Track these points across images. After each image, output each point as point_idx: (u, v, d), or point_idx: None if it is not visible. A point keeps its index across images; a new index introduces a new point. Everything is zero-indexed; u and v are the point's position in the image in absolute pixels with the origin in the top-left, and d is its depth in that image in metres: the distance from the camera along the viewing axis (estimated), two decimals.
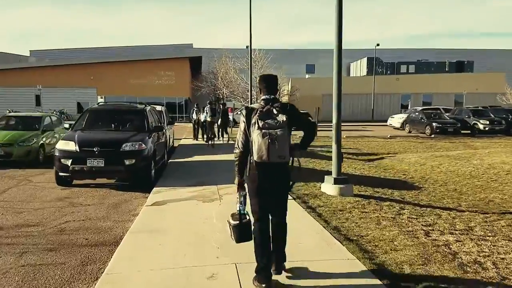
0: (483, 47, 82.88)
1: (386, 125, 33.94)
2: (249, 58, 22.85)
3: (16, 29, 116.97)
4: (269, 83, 3.89)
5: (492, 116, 26.85)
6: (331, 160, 15.43)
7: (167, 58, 46.42)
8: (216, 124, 18.54)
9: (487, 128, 25.84)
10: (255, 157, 3.57)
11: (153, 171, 9.24)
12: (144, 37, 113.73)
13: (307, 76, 53.39)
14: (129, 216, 6.66)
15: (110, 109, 10.51)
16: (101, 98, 41.31)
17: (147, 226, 5.71)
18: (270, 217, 3.87)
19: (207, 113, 18.51)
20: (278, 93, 34.13)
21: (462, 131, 25.95)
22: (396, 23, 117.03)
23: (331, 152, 17.70)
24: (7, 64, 44.25)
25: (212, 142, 17.82)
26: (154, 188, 8.36)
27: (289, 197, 7.30)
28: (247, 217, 3.82)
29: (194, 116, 20.90)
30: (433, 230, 5.79)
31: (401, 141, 22.16)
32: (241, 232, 3.78)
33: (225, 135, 19.94)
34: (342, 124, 8.29)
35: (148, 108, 10.60)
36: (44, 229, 5.96)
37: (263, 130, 3.52)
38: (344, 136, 25.29)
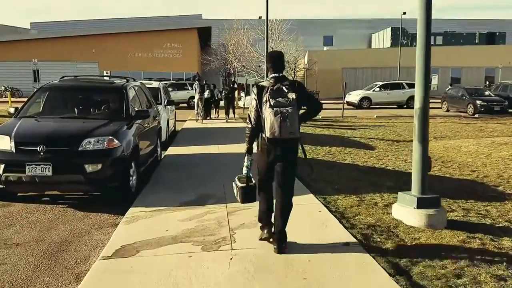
0: None
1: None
2: (265, 27, 19.51)
3: (20, 4, 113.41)
4: (276, 61, 4.00)
5: None
6: (372, 149, 12.43)
7: (174, 29, 42.81)
8: (201, 100, 18.29)
9: None
10: (267, 133, 3.72)
11: (133, 177, 6.25)
12: (150, 9, 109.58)
13: (325, 48, 49.54)
14: (68, 279, 3.71)
15: (75, 86, 7.27)
16: (107, 73, 38.26)
17: None
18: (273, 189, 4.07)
19: (195, 90, 18.41)
20: (294, 67, 30.96)
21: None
22: None
23: (365, 137, 14.69)
24: (2, 36, 41.23)
25: (201, 119, 17.83)
26: (130, 210, 5.38)
27: (353, 239, 4.33)
28: (253, 181, 4.05)
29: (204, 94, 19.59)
30: None
31: (443, 122, 18.87)
32: (247, 194, 4.05)
33: (230, 114, 19.20)
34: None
35: (130, 84, 7.52)
36: None
37: (275, 108, 3.66)
38: (374, 116, 22.04)
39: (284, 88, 3.74)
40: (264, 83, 3.89)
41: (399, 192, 5.18)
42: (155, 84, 12.76)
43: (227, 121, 18.39)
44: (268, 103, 3.67)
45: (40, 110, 6.96)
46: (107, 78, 7.84)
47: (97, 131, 5.81)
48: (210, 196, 5.95)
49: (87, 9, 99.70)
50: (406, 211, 4.89)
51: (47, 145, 5.40)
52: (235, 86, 21.95)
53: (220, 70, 44.75)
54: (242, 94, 26.83)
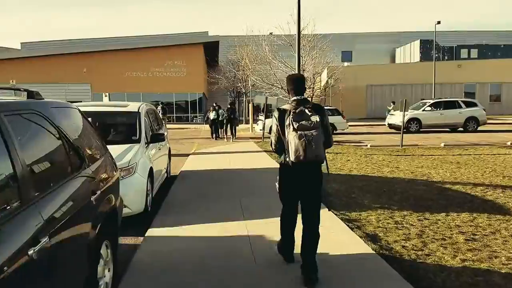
0: None
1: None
2: (297, 28, 14.45)
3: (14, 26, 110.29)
4: (298, 84, 3.95)
5: None
6: (510, 214, 6.40)
7: (176, 45, 37.91)
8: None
9: None
10: (292, 157, 3.63)
11: None
12: (151, 29, 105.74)
13: (345, 64, 44.58)
14: None
15: None
16: (106, 95, 33.37)
17: None
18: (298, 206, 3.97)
19: (159, 112, 19.01)
20: (313, 86, 25.76)
21: None
22: (448, 7, 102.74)
23: (463, 183, 8.51)
24: None
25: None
26: None
27: None
28: None
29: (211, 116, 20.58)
30: None
31: None
32: None
33: (228, 133, 20.03)
34: None
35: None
36: None
37: (299, 132, 3.60)
38: (442, 144, 16.56)
39: (306, 110, 3.68)
40: (286, 107, 3.85)
41: None
42: (131, 107, 7.49)
43: (232, 141, 18.92)
44: (291, 126, 3.63)
45: None
46: None
47: None
48: None
49: (82, 31, 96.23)
50: None
51: None
52: (234, 107, 20.95)
53: (229, 90, 39.72)
54: (261, 117, 21.51)
